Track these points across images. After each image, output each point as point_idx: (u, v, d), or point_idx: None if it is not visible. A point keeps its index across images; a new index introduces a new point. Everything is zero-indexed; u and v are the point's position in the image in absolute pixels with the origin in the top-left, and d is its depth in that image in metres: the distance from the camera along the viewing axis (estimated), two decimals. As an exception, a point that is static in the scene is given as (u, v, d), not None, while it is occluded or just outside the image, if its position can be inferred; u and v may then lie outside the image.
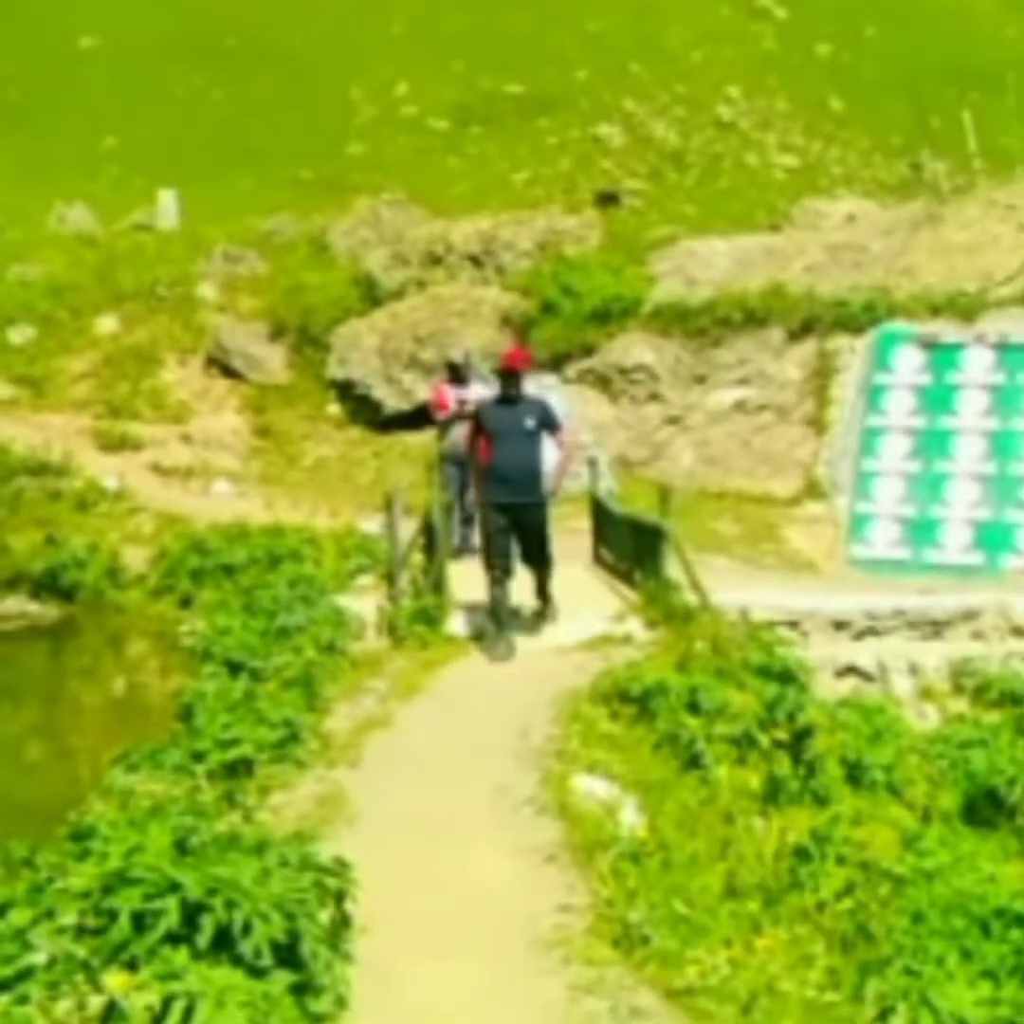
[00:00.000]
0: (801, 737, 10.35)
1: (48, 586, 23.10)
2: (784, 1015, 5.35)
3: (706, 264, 27.68)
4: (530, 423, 13.62)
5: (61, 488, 25.86)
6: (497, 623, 13.56)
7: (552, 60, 44.98)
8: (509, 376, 13.96)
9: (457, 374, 19.29)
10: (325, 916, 6.31)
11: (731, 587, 16.27)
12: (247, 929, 5.67)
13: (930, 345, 24.22)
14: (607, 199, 34.47)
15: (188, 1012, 5.29)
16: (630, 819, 8.22)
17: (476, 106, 44.15)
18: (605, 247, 30.29)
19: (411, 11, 48.64)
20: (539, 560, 14.16)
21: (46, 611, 22.90)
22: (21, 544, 23.79)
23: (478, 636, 14.02)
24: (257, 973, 5.66)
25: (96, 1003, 5.20)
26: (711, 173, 39.34)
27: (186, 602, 21.26)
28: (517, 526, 13.67)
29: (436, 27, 48.00)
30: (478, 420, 13.94)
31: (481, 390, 18.45)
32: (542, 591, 14.47)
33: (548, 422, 13.95)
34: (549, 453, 14.30)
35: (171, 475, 27.09)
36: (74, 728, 17.30)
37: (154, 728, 12.28)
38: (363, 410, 28.56)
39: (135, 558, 23.51)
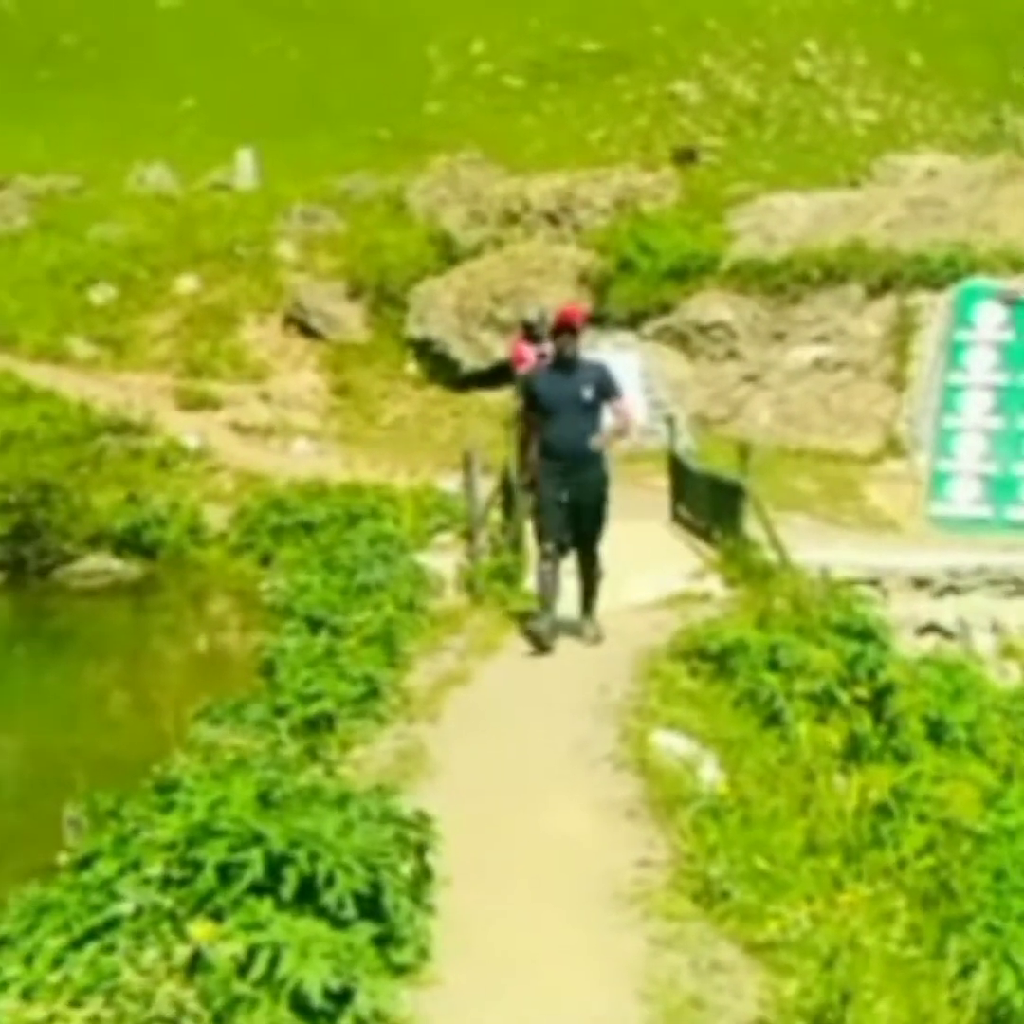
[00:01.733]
0: (882, 695, 10.32)
1: (130, 544, 23.37)
2: (866, 970, 5.35)
3: (784, 220, 27.49)
4: (588, 394, 11.95)
5: (142, 447, 26.10)
6: (543, 602, 12.32)
7: (629, 16, 44.67)
8: (563, 333, 12.07)
9: (533, 333, 19.06)
10: (407, 869, 6.36)
11: (811, 545, 16.20)
12: (330, 881, 5.72)
13: (1012, 301, 23.98)
14: (684, 156, 34.30)
15: (273, 962, 5.35)
16: (710, 775, 8.22)
17: (552, 63, 43.95)
18: (682, 204, 30.15)
19: (488, -32, 48.41)
20: (590, 546, 12.40)
21: (128, 568, 23.17)
22: (104, 502, 24.05)
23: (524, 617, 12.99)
24: (340, 924, 5.71)
25: (182, 953, 5.26)
26: (789, 129, 39.01)
27: (266, 559, 21.44)
28: (573, 506, 12.17)
29: (513, -17, 47.79)
30: (529, 390, 12.46)
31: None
32: (588, 596, 12.60)
33: (607, 390, 12.11)
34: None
35: (250, 433, 27.26)
36: (156, 683, 17.51)
37: (235, 683, 12.41)
38: (441, 368, 28.60)
39: (215, 516, 23.73)
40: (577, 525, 12.23)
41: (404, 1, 47.96)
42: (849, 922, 5.53)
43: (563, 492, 12.08)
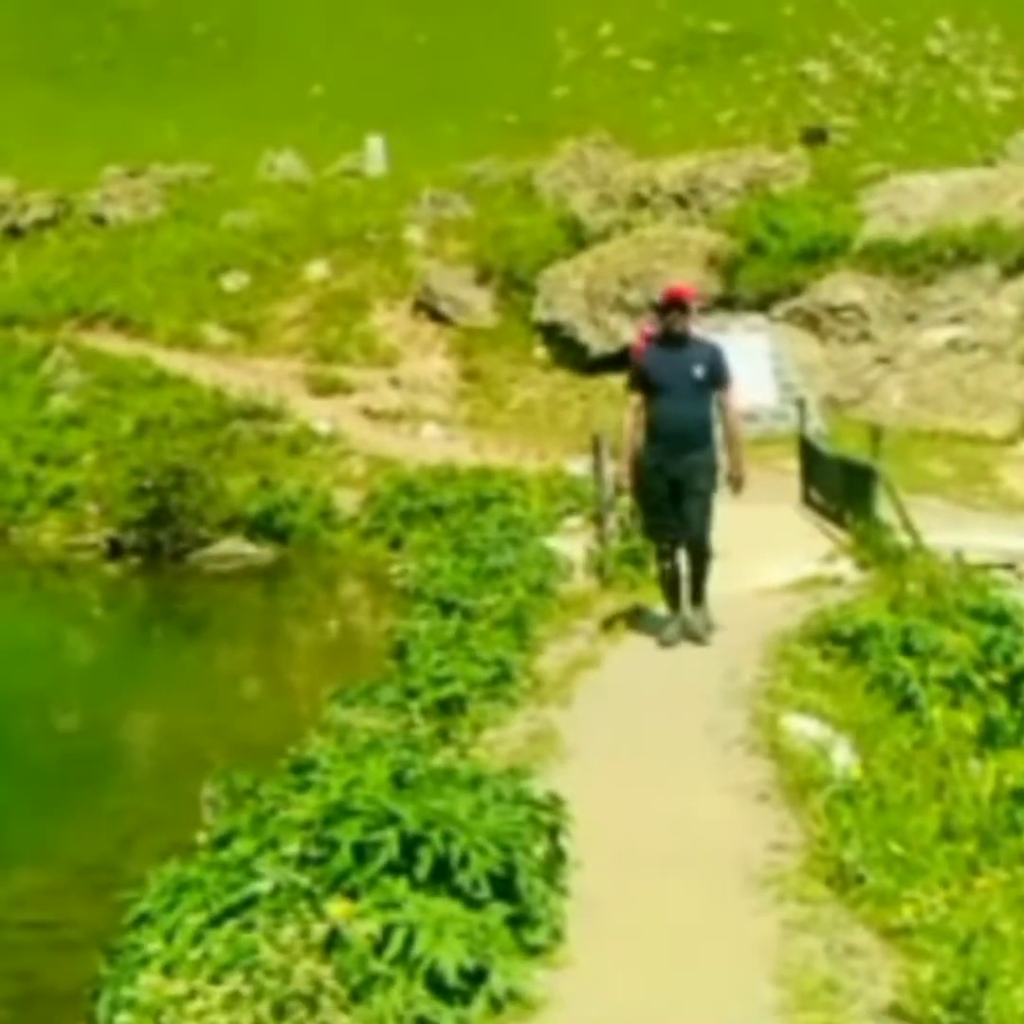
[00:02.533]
0: (1018, 679, 10.17)
1: (263, 528, 23.69)
2: (1003, 956, 5.29)
3: (917, 200, 27.17)
4: (699, 372, 11.23)
5: (275, 432, 26.42)
6: (670, 600, 11.86)
7: (758, -4, 44.37)
8: (672, 310, 11.26)
9: None
10: (540, 850, 6.40)
11: (944, 528, 16.02)
12: (465, 861, 5.77)
13: None
14: (814, 136, 33.98)
15: (408, 940, 5.42)
16: (843, 759, 8.16)
17: (680, 45, 43.73)
18: (813, 185, 29.89)
19: (616, -50, 48.24)
20: (699, 532, 11.58)
21: (261, 552, 23.48)
22: (237, 487, 24.39)
23: (639, 614, 12.61)
24: (474, 904, 5.76)
25: (319, 930, 5.33)
26: (921, 108, 38.48)
27: (396, 543, 21.63)
28: (677, 493, 11.44)
29: (641, -34, 47.59)
30: (637, 366, 11.68)
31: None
32: (696, 585, 11.86)
33: (719, 374, 11.39)
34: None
35: (381, 418, 27.48)
36: (289, 665, 17.74)
37: (366, 666, 12.54)
38: (569, 352, 28.62)
39: (346, 500, 23.97)
40: (682, 510, 11.46)
41: (532, -15, 47.98)
42: (986, 907, 5.49)
43: (667, 482, 11.40)
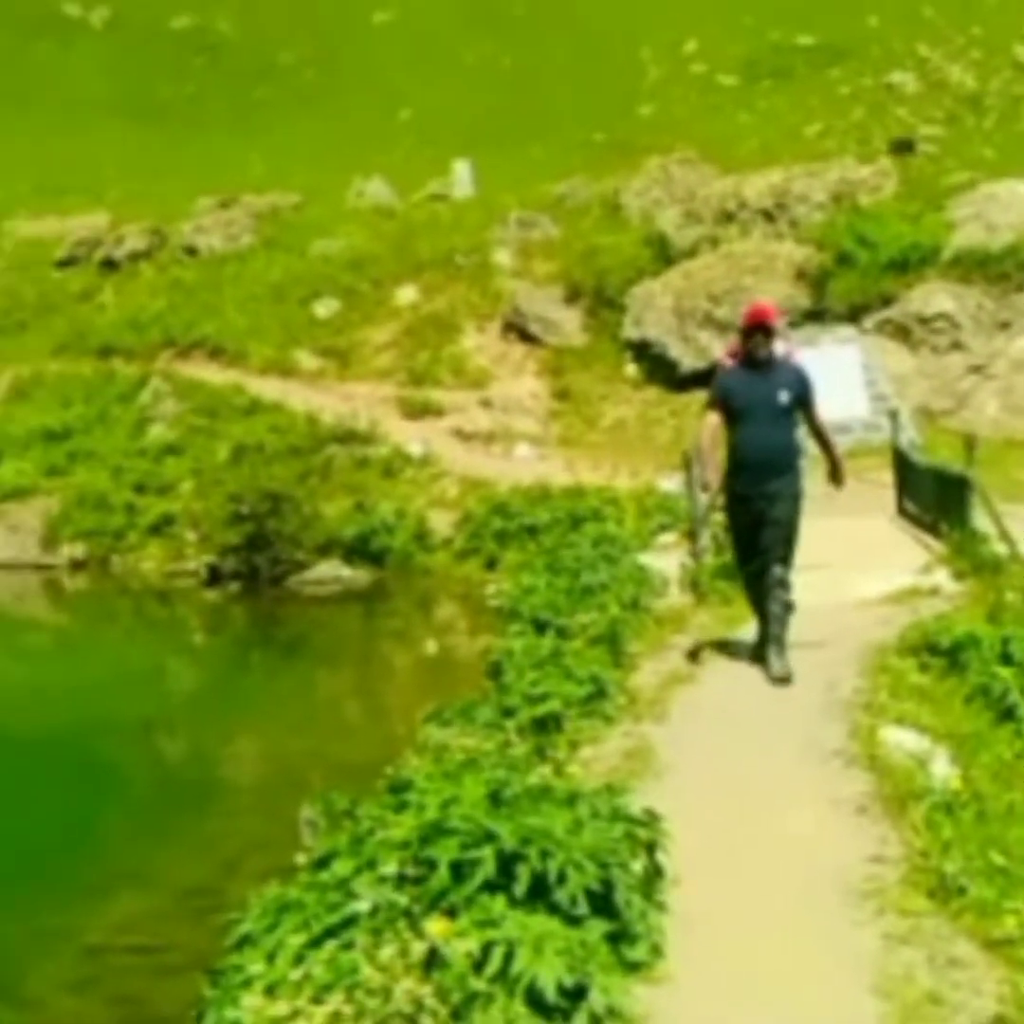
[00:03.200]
0: (1119, 687, 10.05)
1: (359, 551, 23.86)
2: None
3: (1007, 208, 26.98)
4: (784, 397, 10.70)
5: (368, 455, 26.62)
6: (760, 619, 11.22)
7: (843, 8, 44.28)
8: (757, 333, 10.85)
9: None
10: (638, 866, 6.40)
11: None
12: (562, 878, 5.78)
13: None
14: (902, 146, 33.78)
15: (507, 958, 5.43)
16: (942, 771, 8.10)
17: (766, 60, 43.73)
18: (901, 195, 29.73)
19: (701, -32, 48.39)
20: (777, 568, 10.86)
21: (358, 575, 23.63)
22: (332, 511, 24.59)
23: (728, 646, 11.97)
24: (573, 921, 5.77)
25: (419, 949, 5.36)
26: (1010, 116, 38.14)
27: (491, 563, 21.70)
28: (759, 523, 10.86)
29: (726, -18, 47.67)
30: (718, 392, 10.99)
31: (777, 347, 17.79)
32: (775, 626, 10.95)
33: (804, 397, 10.88)
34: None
35: (473, 440, 27.60)
36: (387, 688, 17.82)
37: (464, 686, 12.57)
38: (659, 370, 28.62)
39: (441, 522, 24.08)
40: (762, 541, 10.87)
41: (616, 5, 48.14)
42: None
43: (750, 512, 10.88)
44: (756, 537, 10.93)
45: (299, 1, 54.38)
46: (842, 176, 30.41)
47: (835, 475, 11.14)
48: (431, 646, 20.12)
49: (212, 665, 20.48)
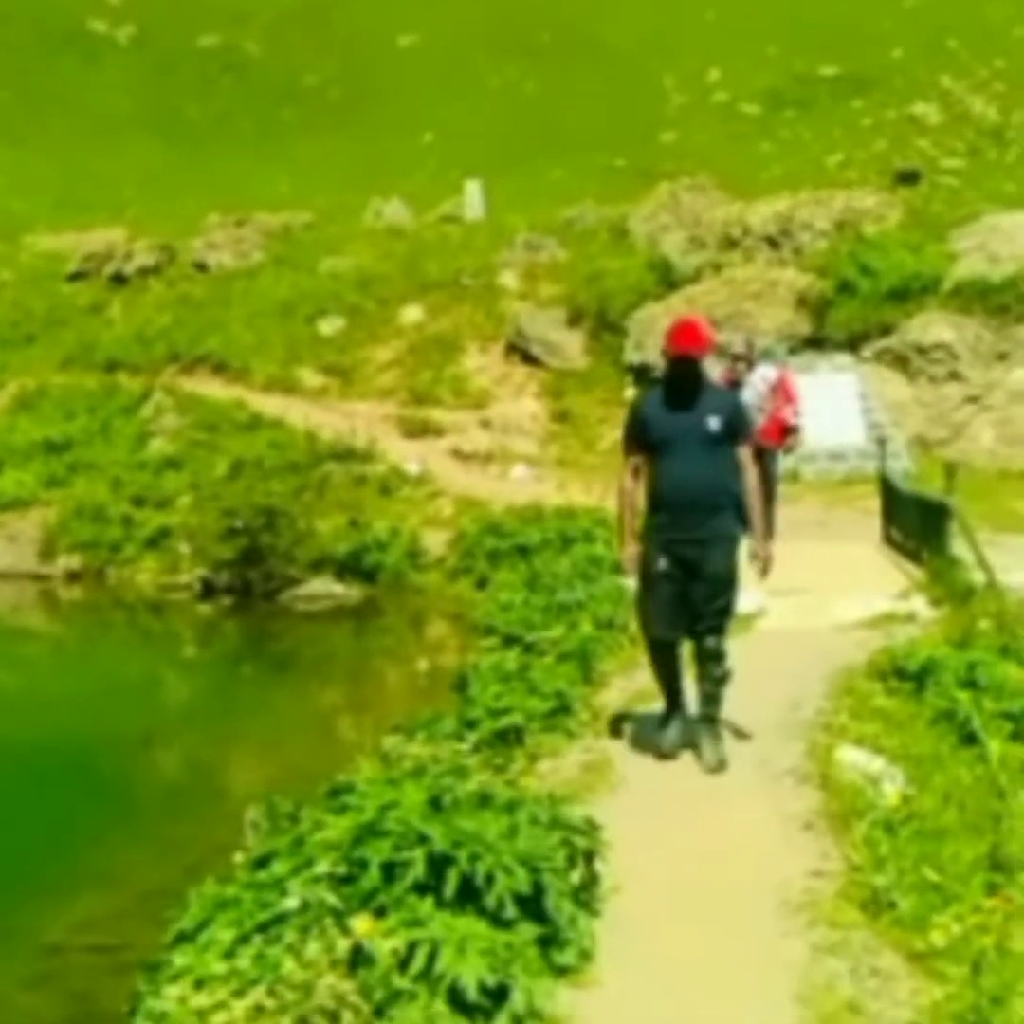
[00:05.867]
0: (1083, 715, 10.11)
1: (352, 568, 23.94)
2: (1020, 975, 5.36)
3: (1009, 240, 27.08)
4: (714, 424, 8.90)
5: (365, 473, 26.71)
6: (670, 701, 9.50)
7: (867, 39, 44.49)
8: (683, 364, 8.94)
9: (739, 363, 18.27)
10: (576, 875, 6.50)
11: (1028, 567, 15.92)
12: (490, 881, 5.88)
13: None
14: (907, 177, 33.94)
15: (431, 957, 5.54)
16: (892, 790, 8.19)
17: (789, 89, 43.98)
18: (905, 225, 29.83)
19: (725, -3, 48.75)
20: (709, 634, 9.04)
21: (350, 592, 23.71)
22: (327, 527, 24.68)
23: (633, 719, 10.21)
24: (503, 924, 5.87)
25: (343, 946, 5.47)
26: (1031, 150, 38.32)
27: (482, 583, 21.73)
28: (688, 573, 8.97)
29: (750, 11, 47.97)
30: (634, 424, 9.19)
31: (767, 371, 17.58)
32: (708, 705, 9.19)
33: (736, 426, 9.10)
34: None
35: (471, 460, 27.70)
36: (375, 703, 17.88)
37: (450, 703, 12.65)
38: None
39: (434, 541, 24.17)
40: (690, 602, 8.99)
41: (640, 32, 48.42)
42: (1002, 927, 5.53)
43: (671, 560, 8.97)
44: (681, 597, 9.01)
45: (325, 22, 54.70)
46: (847, 204, 30.52)
47: (760, 555, 9.28)
48: (423, 664, 20.17)
49: (201, 678, 20.55)
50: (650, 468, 9.08)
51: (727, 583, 9.03)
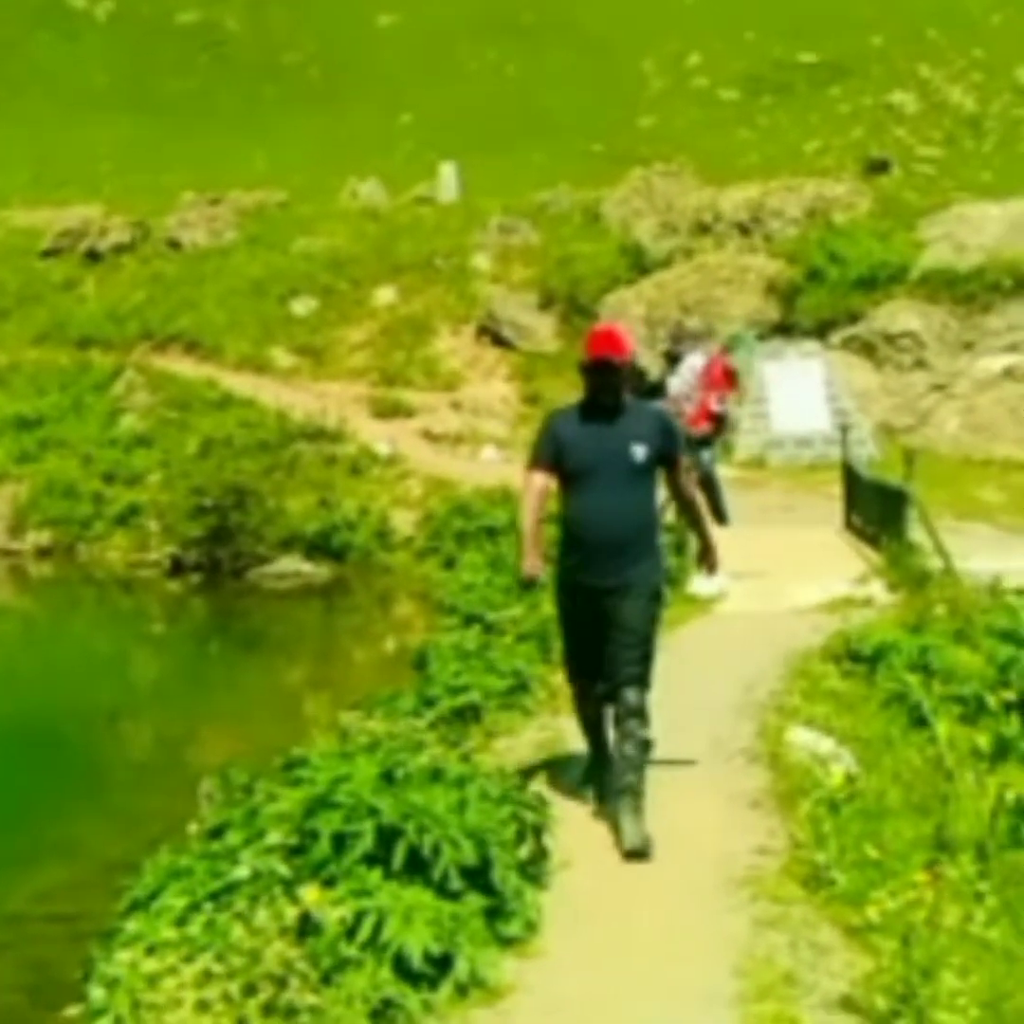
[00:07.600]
0: (1031, 698, 10.27)
1: (321, 547, 24.04)
2: (949, 949, 5.51)
3: (977, 230, 27.24)
4: (640, 452, 7.72)
5: (336, 453, 26.77)
6: (594, 745, 8.38)
7: (846, 27, 44.58)
8: (601, 372, 7.78)
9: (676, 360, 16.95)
10: (524, 849, 6.65)
11: (987, 554, 16.09)
12: (437, 852, 6.02)
13: None
14: (877, 166, 34.10)
15: (378, 927, 5.68)
16: (840, 770, 8.34)
17: (768, 76, 44.03)
18: (875, 214, 29.98)
19: (705, -18, 48.73)
20: (627, 688, 7.73)
21: (318, 571, 23.83)
22: (296, 506, 24.76)
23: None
24: (450, 895, 6.02)
25: (291, 915, 5.60)
26: (1009, 139, 38.47)
27: (450, 563, 21.84)
28: (604, 621, 7.78)
29: (729, -3, 47.95)
30: (547, 445, 7.88)
31: (695, 360, 16.46)
32: (626, 775, 7.61)
33: (669, 452, 7.91)
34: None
35: (441, 441, 27.80)
36: (342, 681, 17.97)
37: (409, 681, 12.77)
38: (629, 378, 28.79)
39: (403, 521, 24.29)
40: (607, 652, 7.79)
41: (620, 16, 48.41)
42: (937, 903, 5.67)
43: (589, 598, 7.85)
44: (596, 645, 7.87)
45: (305, 0, 54.61)
46: (818, 192, 30.67)
47: (706, 557, 8.51)
48: (390, 643, 20.28)
49: (169, 654, 20.65)
50: (562, 497, 7.92)
51: (644, 639, 7.79)
